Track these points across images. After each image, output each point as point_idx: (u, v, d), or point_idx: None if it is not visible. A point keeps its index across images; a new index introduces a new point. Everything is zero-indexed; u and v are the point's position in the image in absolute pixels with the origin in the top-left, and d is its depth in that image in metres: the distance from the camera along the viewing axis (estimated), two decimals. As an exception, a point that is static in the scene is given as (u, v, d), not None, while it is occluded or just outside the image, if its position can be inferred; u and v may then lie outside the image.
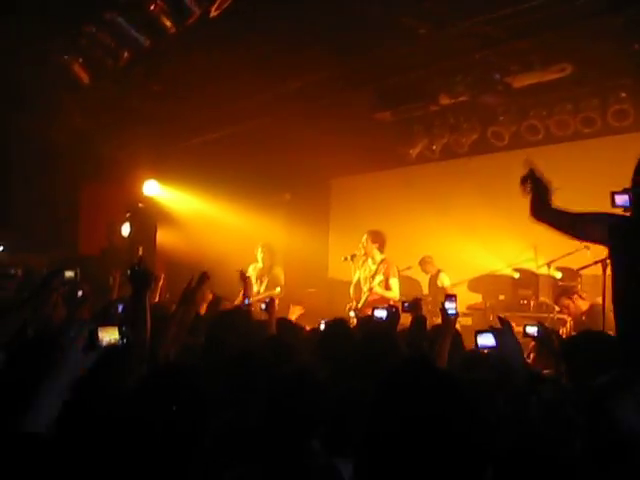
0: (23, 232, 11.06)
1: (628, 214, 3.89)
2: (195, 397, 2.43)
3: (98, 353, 2.73)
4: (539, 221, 4.06)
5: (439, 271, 10.90)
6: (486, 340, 3.22)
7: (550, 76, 8.50)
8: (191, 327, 5.21)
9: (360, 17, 7.42)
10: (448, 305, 4.76)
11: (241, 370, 3.67)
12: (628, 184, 4.00)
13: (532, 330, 4.53)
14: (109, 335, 2.75)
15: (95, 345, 2.67)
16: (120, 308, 5.73)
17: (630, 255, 3.57)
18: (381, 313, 4.77)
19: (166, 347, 4.85)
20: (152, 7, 6.24)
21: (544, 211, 4.04)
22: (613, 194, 4.03)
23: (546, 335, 4.45)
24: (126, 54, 7.21)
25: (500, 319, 3.42)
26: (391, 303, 7.53)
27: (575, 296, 8.33)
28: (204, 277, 5.55)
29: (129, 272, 4.23)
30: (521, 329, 9.14)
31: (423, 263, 11.03)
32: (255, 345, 4.60)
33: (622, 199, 3.98)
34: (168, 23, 6.37)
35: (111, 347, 2.78)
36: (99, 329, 2.72)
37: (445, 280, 10.79)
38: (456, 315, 4.79)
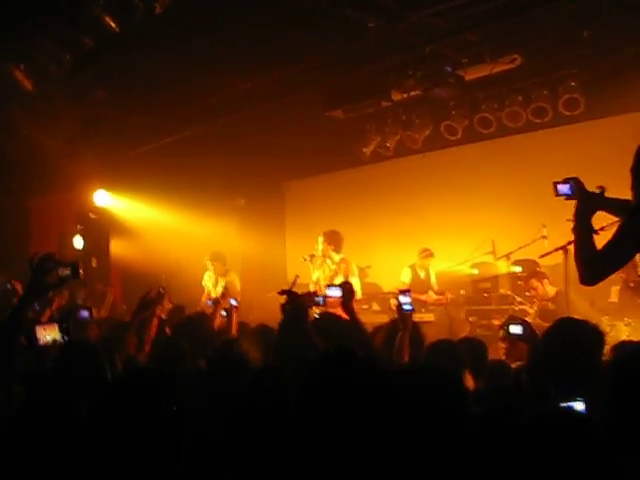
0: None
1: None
2: (170, 402, 2.28)
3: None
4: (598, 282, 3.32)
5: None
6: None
7: (501, 67, 8.53)
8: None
9: (308, 13, 7.32)
10: (403, 300, 4.64)
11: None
12: (579, 172, 4.05)
13: (517, 329, 4.49)
14: (49, 334, 2.60)
15: (34, 345, 2.53)
16: (84, 314, 5.72)
17: None
18: (335, 292, 4.62)
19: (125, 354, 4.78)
20: (94, 6, 6.04)
21: (598, 269, 3.30)
22: (555, 184, 4.02)
23: (531, 333, 4.43)
24: (69, 58, 6.96)
25: None
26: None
27: (545, 280, 8.37)
28: (160, 296, 5.56)
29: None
30: (485, 322, 9.25)
31: (426, 256, 10.45)
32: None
33: (564, 188, 4.01)
34: (112, 23, 6.17)
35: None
36: (37, 328, 2.57)
37: (433, 276, 10.63)
38: (412, 310, 4.68)
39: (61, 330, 2.68)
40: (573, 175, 4.19)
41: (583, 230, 3.38)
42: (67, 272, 3.19)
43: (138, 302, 5.32)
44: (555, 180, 4.10)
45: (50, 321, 2.72)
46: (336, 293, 4.66)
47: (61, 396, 2.71)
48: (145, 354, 5.18)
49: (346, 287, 4.60)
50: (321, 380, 1.73)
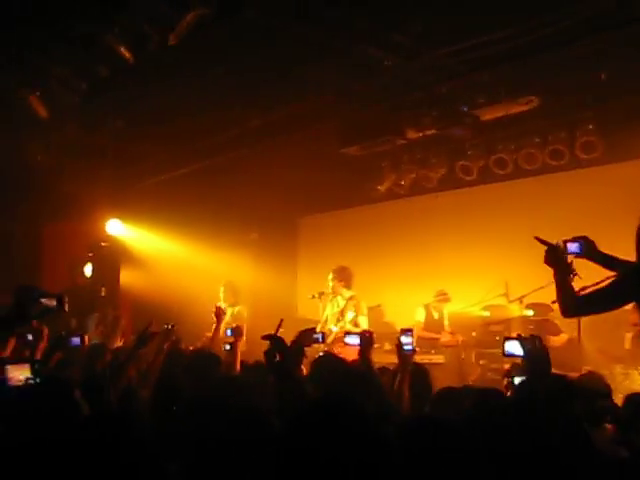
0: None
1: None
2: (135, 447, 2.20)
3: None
4: (577, 316, 4.21)
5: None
6: (513, 348, 3.63)
7: (517, 108, 8.45)
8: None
9: (325, 49, 7.32)
10: (404, 340, 4.52)
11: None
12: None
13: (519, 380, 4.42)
14: (22, 373, 2.52)
15: (4, 384, 2.45)
16: (75, 341, 5.62)
17: None
18: (354, 340, 4.54)
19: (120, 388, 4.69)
20: (108, 36, 6.06)
21: (578, 306, 3.80)
22: (565, 242, 4.13)
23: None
24: (84, 87, 6.99)
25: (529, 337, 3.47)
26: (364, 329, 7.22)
27: (548, 336, 8.23)
28: (167, 332, 5.51)
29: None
30: (496, 366, 9.08)
31: (443, 299, 10.24)
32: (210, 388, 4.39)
33: (573, 247, 4.15)
34: (127, 53, 6.19)
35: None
36: (9, 367, 2.49)
37: (446, 318, 10.42)
38: (413, 350, 4.54)
39: (32, 372, 2.60)
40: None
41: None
42: (53, 303, 3.15)
43: (137, 336, 5.25)
44: (565, 239, 4.13)
45: (21, 361, 2.63)
46: (354, 341, 4.58)
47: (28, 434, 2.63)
48: (150, 389, 5.08)
49: (365, 336, 4.49)
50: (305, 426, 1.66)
